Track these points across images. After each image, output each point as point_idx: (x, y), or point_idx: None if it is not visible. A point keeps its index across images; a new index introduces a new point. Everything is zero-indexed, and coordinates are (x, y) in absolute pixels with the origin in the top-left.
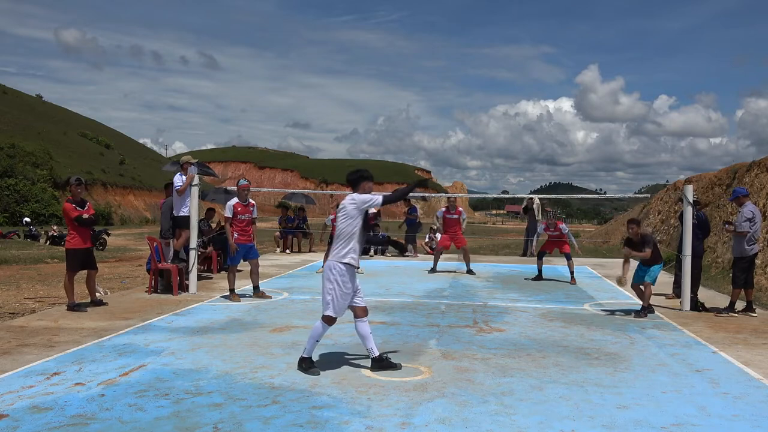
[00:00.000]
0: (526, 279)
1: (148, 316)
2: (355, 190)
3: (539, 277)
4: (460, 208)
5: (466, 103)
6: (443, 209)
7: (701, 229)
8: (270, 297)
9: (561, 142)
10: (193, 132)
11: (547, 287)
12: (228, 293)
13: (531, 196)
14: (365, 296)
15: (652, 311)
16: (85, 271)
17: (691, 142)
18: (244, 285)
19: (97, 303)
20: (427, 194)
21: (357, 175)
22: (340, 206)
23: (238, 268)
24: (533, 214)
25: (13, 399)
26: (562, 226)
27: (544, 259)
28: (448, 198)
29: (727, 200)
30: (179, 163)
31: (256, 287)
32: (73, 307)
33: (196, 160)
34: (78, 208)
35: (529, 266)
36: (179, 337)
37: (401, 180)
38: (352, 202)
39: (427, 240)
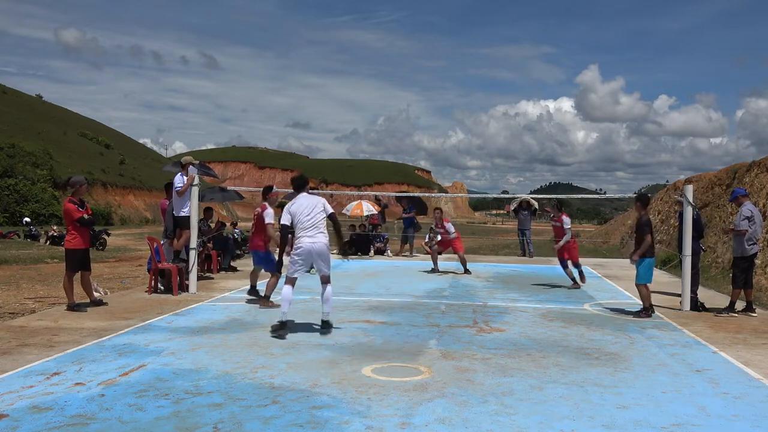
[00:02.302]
0: (569, 288)
1: (148, 316)
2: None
3: (576, 284)
4: (447, 223)
5: (466, 103)
6: (433, 225)
7: (695, 228)
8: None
9: (561, 142)
10: (193, 132)
11: (547, 287)
12: (257, 297)
13: (524, 196)
14: (366, 296)
15: (653, 311)
16: (79, 272)
17: (691, 142)
18: (243, 285)
19: (97, 303)
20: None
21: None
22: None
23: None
24: (525, 215)
25: (13, 399)
26: (565, 218)
27: (540, 258)
28: (435, 210)
29: (727, 201)
30: (180, 164)
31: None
32: (73, 307)
33: (198, 161)
34: (80, 208)
35: (530, 266)
36: (179, 337)
37: (401, 180)
38: None
39: (426, 240)
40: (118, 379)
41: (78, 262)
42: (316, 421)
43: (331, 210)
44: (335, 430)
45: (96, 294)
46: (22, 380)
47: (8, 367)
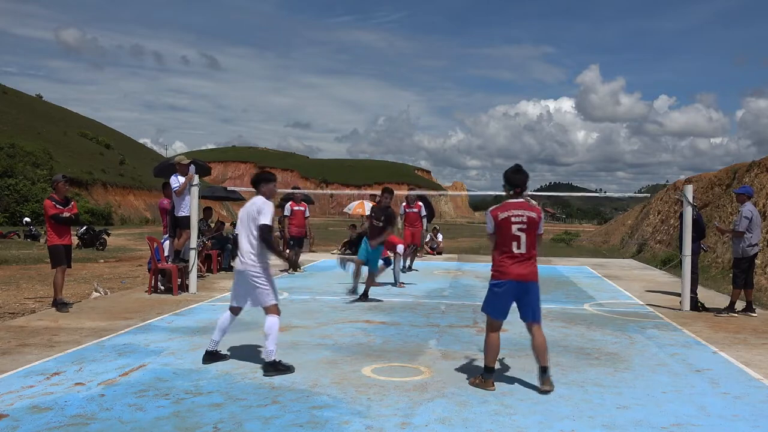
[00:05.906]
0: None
1: (148, 316)
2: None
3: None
4: (420, 203)
5: (466, 103)
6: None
7: (695, 230)
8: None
9: (561, 142)
10: (194, 132)
11: (547, 287)
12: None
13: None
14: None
15: (365, 296)
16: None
17: (691, 141)
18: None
19: (63, 304)
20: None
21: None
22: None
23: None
24: None
25: (13, 399)
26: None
27: (541, 258)
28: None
29: (733, 192)
30: (173, 164)
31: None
32: (58, 305)
33: (190, 159)
34: (58, 206)
35: None
36: (179, 337)
37: (401, 180)
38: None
39: (428, 239)
40: (118, 379)
41: (63, 258)
42: (316, 421)
43: (263, 221)
44: (335, 430)
45: (95, 294)
46: (22, 380)
47: (8, 367)
